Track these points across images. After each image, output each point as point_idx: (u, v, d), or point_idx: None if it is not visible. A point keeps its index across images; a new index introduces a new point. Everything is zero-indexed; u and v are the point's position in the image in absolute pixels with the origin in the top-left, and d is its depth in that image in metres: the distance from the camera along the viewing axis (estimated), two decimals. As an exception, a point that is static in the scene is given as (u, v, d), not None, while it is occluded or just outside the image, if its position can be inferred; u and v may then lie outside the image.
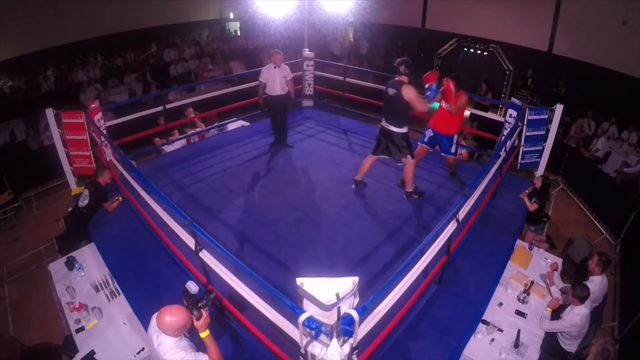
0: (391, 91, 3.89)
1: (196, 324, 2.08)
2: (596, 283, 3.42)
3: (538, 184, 4.46)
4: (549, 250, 4.47)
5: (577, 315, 3.02)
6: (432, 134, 4.55)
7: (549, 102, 7.93)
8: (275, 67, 5.16)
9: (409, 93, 3.78)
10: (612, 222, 5.69)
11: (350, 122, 6.60)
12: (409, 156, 4.14)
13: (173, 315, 1.99)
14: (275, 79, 5.20)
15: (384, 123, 4.11)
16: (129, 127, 5.41)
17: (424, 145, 4.63)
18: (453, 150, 4.53)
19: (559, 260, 3.97)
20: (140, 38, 12.47)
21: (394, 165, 5.08)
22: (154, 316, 2.07)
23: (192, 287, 2.16)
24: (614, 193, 6.00)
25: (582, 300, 3.03)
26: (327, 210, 4.30)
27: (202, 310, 2.09)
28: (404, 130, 4.04)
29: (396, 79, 3.90)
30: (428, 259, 2.69)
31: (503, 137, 4.80)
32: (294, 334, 2.07)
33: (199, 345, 2.15)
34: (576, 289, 3.04)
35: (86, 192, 4.12)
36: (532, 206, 4.37)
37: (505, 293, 3.48)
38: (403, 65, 3.83)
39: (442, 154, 4.67)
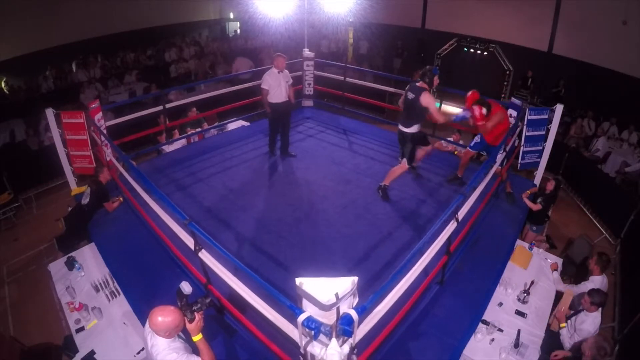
0: (410, 95, 3.97)
1: (188, 326, 2.06)
2: (596, 283, 3.42)
3: (550, 186, 4.46)
4: (549, 250, 4.46)
5: (593, 324, 3.00)
6: (479, 140, 4.57)
7: (549, 102, 7.93)
8: (279, 72, 4.90)
9: (428, 100, 3.84)
10: (612, 222, 5.69)
11: (350, 122, 6.60)
12: (405, 160, 4.20)
13: (165, 315, 1.97)
14: (279, 85, 4.90)
15: (399, 126, 4.18)
16: (129, 127, 5.41)
17: (470, 150, 4.67)
18: (472, 144, 4.61)
19: (559, 260, 3.97)
20: (140, 38, 12.46)
21: (394, 165, 5.09)
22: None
23: (186, 287, 2.13)
24: (614, 193, 6.00)
25: (600, 306, 3.02)
26: (327, 210, 4.30)
27: (195, 313, 2.06)
28: (412, 130, 4.07)
29: (417, 84, 3.94)
30: (428, 259, 2.69)
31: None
32: (293, 334, 2.07)
33: (195, 347, 2.14)
34: (594, 296, 3.01)
35: (88, 190, 4.14)
36: (535, 206, 4.37)
37: (505, 293, 3.48)
38: (426, 75, 3.89)
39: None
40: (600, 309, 3.05)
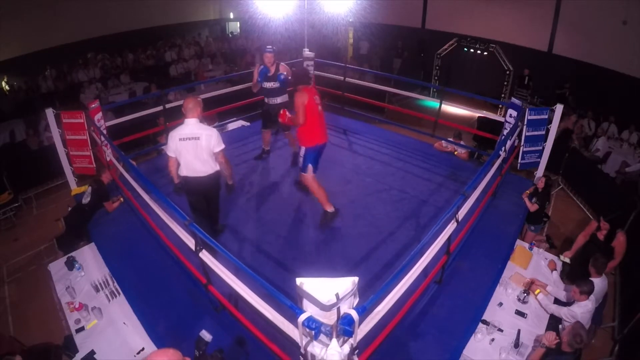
0: None
1: None
2: (597, 283, 3.42)
3: (541, 184, 4.46)
4: (549, 250, 4.47)
5: (580, 308, 3.06)
6: (302, 154, 3.76)
7: (549, 102, 7.93)
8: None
9: None
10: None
11: (350, 122, 6.60)
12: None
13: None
14: (189, 151, 3.07)
15: None
16: (129, 127, 5.41)
17: (304, 174, 3.81)
18: (301, 165, 3.76)
19: (559, 261, 3.97)
20: (140, 38, 12.48)
21: (394, 165, 5.11)
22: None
23: (207, 335, 2.17)
24: (614, 193, 6.00)
25: (588, 294, 3.08)
26: (327, 210, 4.29)
27: None
28: None
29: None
30: (428, 259, 2.69)
31: (503, 137, 4.80)
32: (293, 334, 2.07)
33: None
34: (581, 286, 3.09)
35: (89, 189, 4.15)
36: (532, 207, 4.37)
37: (505, 293, 3.48)
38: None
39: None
40: (590, 296, 3.11)
